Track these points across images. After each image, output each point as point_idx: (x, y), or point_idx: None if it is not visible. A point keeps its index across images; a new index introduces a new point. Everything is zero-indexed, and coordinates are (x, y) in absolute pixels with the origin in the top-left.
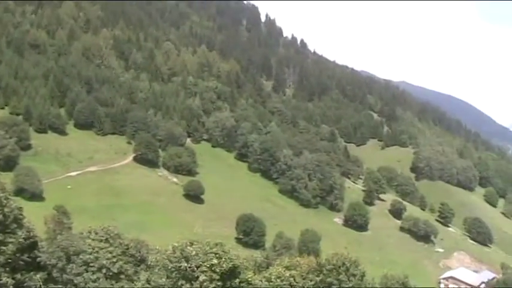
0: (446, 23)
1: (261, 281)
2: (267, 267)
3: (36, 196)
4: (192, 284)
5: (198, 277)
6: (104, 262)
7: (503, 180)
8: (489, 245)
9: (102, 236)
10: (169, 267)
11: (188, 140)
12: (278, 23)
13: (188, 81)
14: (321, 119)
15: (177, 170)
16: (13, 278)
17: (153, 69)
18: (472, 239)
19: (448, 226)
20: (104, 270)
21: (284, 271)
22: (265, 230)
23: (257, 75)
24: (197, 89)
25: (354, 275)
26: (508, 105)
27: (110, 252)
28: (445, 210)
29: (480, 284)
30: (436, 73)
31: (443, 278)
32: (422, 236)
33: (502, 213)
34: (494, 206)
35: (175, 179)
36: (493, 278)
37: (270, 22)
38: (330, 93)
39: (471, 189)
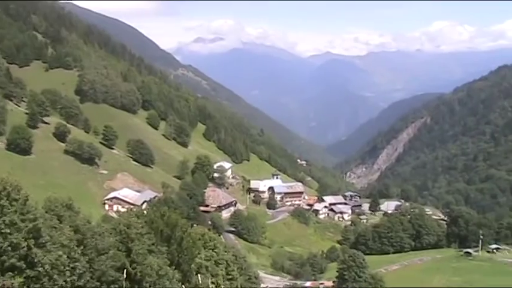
0: None
1: None
2: None
3: None
4: None
5: None
6: None
7: (165, 104)
8: (151, 166)
9: None
10: None
11: None
12: None
13: None
14: None
15: None
16: None
17: None
18: (135, 160)
19: (112, 148)
20: None
21: None
22: None
23: None
24: None
25: (16, 200)
26: (171, 32)
27: None
28: (109, 132)
29: (142, 203)
30: None
31: (108, 199)
32: (87, 158)
33: (163, 135)
34: (156, 129)
35: None
36: (155, 197)
37: None
38: None
39: (134, 112)
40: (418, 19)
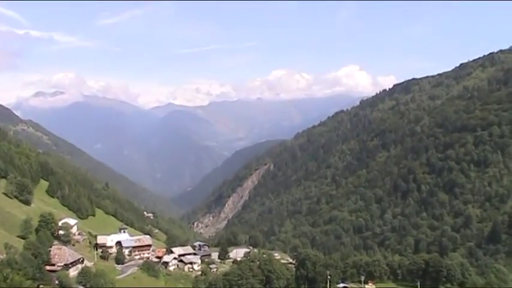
0: None
1: None
2: None
3: None
4: None
5: None
6: None
7: (5, 161)
8: None
9: None
10: None
11: None
12: None
13: None
14: None
15: None
16: None
17: None
18: None
19: None
20: None
21: None
22: None
23: None
24: None
25: None
26: (9, 87)
27: None
28: None
29: None
30: None
31: None
32: None
33: (4, 193)
34: None
35: None
36: None
37: None
38: None
39: None
40: (257, 68)
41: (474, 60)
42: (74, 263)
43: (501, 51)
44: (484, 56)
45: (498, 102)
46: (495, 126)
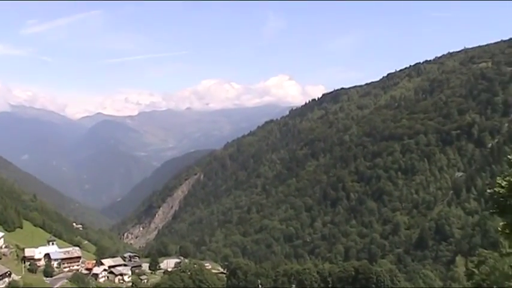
0: None
1: None
2: None
3: None
4: None
5: None
6: None
7: None
8: None
9: None
10: None
11: None
12: None
13: None
14: None
15: None
16: None
17: None
18: None
19: None
20: None
21: None
22: None
23: None
24: None
25: None
26: None
27: None
28: None
29: None
30: None
31: None
32: None
33: None
34: None
35: None
36: None
37: None
38: None
39: None
40: (187, 78)
41: (401, 70)
42: (0, 277)
43: (426, 61)
44: (410, 66)
45: (424, 112)
46: (421, 134)
